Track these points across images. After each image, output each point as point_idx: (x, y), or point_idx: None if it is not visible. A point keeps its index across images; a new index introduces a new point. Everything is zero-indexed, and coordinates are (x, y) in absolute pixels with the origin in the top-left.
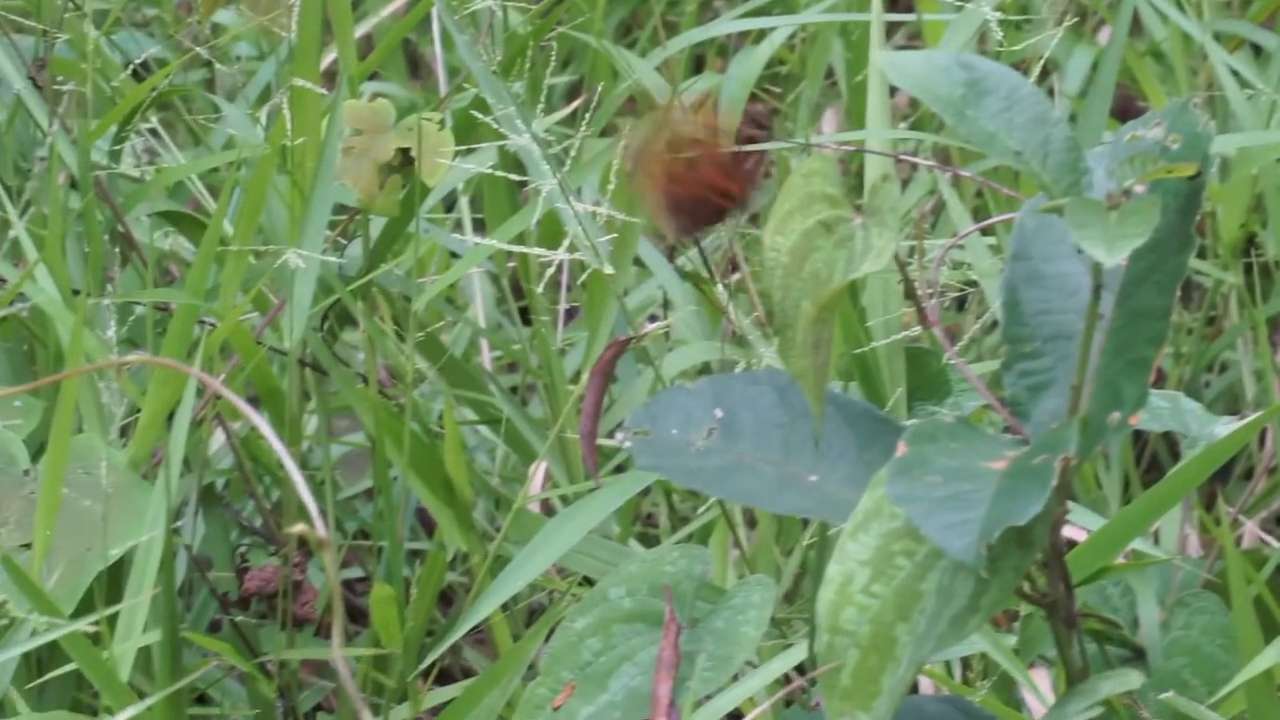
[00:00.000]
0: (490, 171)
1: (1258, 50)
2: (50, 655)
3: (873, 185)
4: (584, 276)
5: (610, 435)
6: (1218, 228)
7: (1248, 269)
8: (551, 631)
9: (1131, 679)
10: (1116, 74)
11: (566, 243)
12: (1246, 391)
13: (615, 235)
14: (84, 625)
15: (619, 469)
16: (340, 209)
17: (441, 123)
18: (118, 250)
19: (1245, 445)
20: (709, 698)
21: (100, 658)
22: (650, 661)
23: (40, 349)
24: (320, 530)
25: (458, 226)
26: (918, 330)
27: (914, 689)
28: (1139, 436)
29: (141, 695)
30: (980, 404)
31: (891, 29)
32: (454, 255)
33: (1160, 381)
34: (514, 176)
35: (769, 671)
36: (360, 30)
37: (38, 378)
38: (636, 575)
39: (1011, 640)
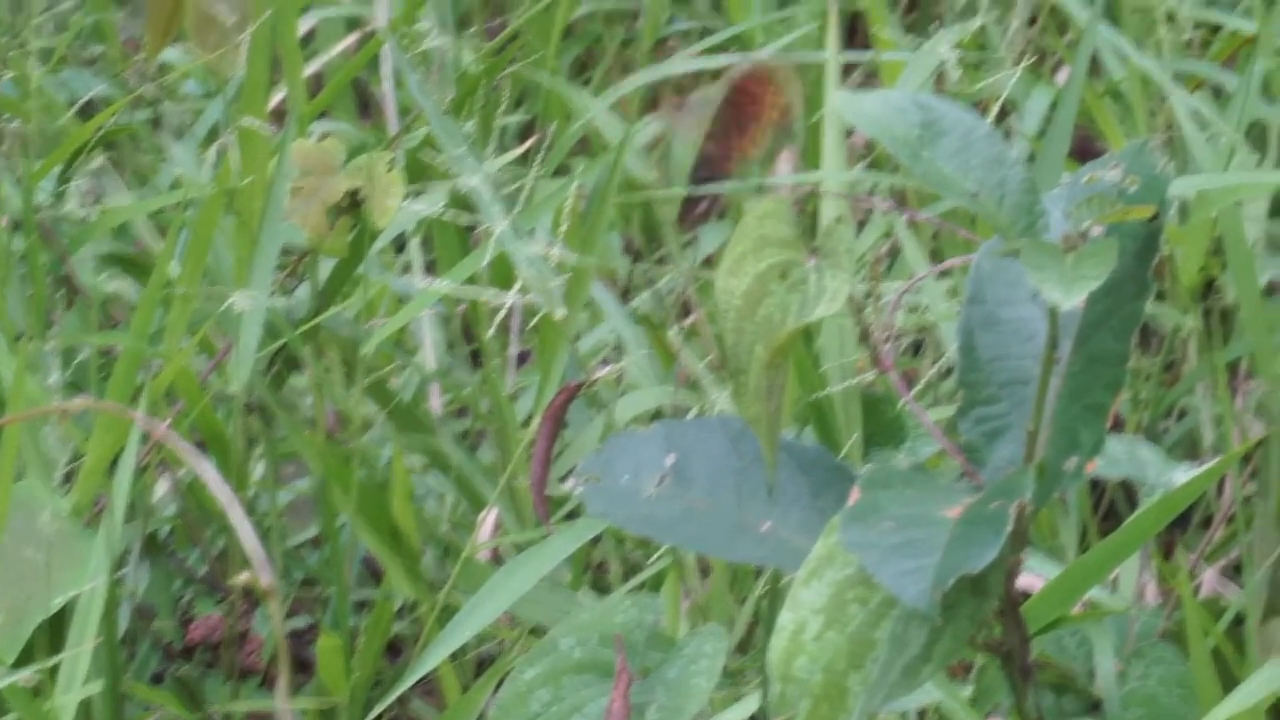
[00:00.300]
0: (441, 213)
1: (1218, 91)
2: None
3: (827, 228)
4: (535, 320)
5: (561, 482)
6: (1176, 271)
7: (1207, 313)
8: (501, 682)
9: None
10: (1075, 114)
11: (518, 286)
12: (1205, 438)
13: (567, 278)
14: (25, 676)
15: (570, 516)
16: (288, 250)
17: (392, 163)
18: (61, 293)
19: (1204, 493)
20: None
21: (41, 709)
22: (600, 713)
23: None
24: (266, 579)
25: (407, 269)
26: (873, 375)
27: None
28: (1096, 483)
29: None
30: (936, 450)
31: (848, 68)
32: (403, 298)
33: (1118, 427)
34: (465, 218)
35: None
36: (310, 68)
37: None
38: (587, 625)
39: (967, 690)
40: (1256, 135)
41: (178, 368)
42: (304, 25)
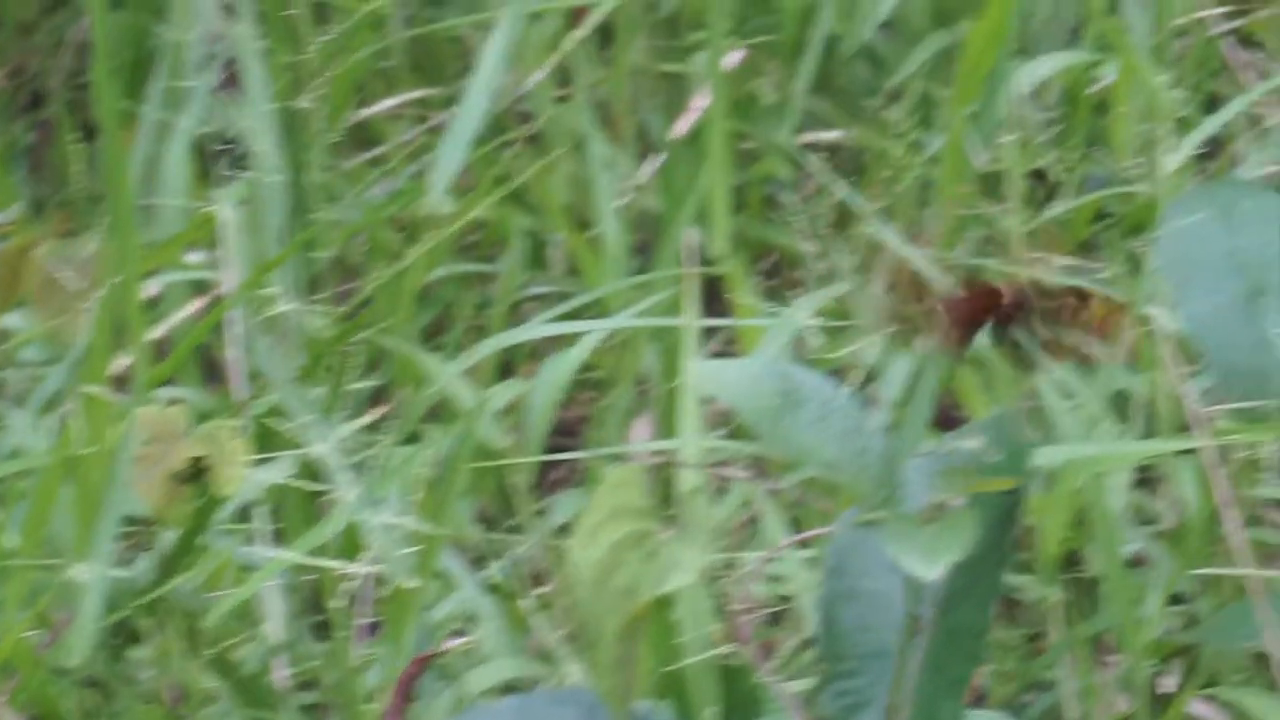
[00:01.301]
0: (288, 481)
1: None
2: None
3: (682, 497)
4: (386, 590)
5: None
6: (1040, 542)
7: (1070, 585)
8: None
9: None
10: (937, 383)
11: (368, 555)
12: (1070, 712)
13: (419, 547)
14: None
15: None
16: (131, 519)
17: (238, 430)
18: None
19: None
20: None
21: None
22: None
23: None
24: None
25: (253, 538)
26: (731, 647)
27: None
28: None
29: None
30: None
31: (707, 333)
32: (249, 568)
33: (981, 701)
34: (314, 486)
35: None
36: (155, 333)
37: None
38: None
39: None
40: (1120, 405)
41: (14, 641)
42: (150, 289)
